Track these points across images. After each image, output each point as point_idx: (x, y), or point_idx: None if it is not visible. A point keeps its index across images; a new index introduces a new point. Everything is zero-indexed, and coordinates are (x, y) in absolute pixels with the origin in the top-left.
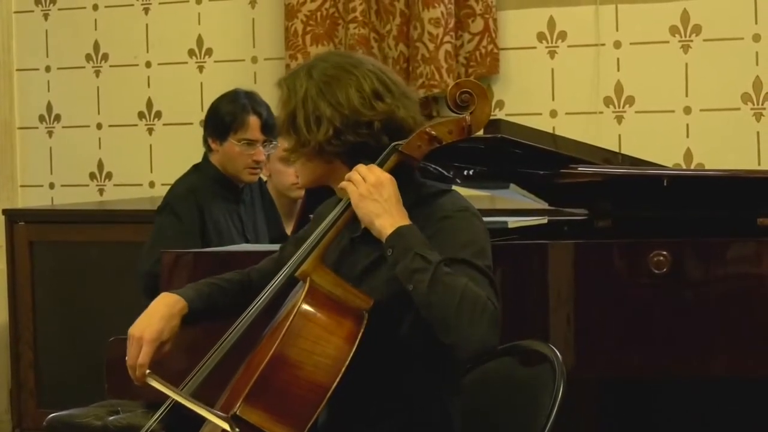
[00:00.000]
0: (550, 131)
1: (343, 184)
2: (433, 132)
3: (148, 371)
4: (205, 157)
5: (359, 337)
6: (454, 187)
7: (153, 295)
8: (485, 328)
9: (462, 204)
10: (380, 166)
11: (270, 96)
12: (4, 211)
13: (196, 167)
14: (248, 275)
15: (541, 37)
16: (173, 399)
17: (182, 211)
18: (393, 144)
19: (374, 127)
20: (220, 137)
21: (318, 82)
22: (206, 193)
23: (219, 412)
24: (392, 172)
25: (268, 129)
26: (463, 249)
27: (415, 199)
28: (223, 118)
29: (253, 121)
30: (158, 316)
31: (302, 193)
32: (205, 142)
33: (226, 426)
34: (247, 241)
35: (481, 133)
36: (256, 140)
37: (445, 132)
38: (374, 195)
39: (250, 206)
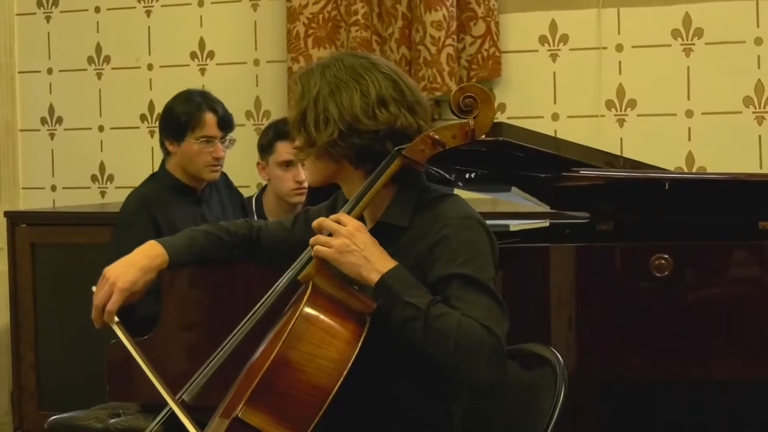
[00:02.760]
0: (552, 134)
1: (315, 246)
2: (436, 136)
3: (117, 320)
4: (162, 164)
5: (362, 340)
6: (456, 191)
7: (124, 318)
8: (486, 367)
9: (466, 211)
10: (384, 170)
11: (272, 97)
12: (6, 213)
13: (152, 177)
14: (257, 232)
15: (543, 40)
16: (174, 403)
17: (136, 227)
18: (396, 148)
19: (379, 132)
20: (177, 138)
21: (330, 83)
22: (160, 202)
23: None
24: (396, 175)
25: (225, 125)
26: (465, 263)
27: (419, 202)
28: (179, 117)
29: (210, 118)
30: (137, 267)
31: (302, 198)
32: (162, 145)
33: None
34: None
35: (483, 136)
36: (214, 137)
37: (448, 136)
38: (351, 247)
39: (217, 204)
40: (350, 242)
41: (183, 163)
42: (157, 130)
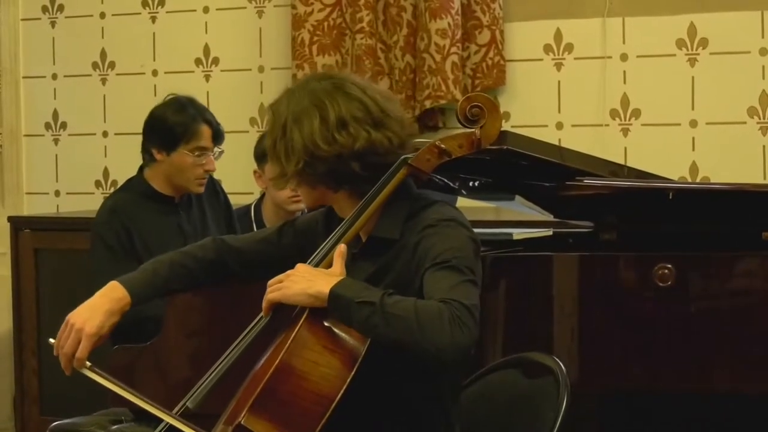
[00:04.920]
0: (556, 143)
1: (264, 304)
2: (442, 146)
3: (89, 364)
4: (140, 171)
5: (365, 349)
6: (460, 199)
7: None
8: (450, 330)
9: (449, 214)
10: (389, 179)
11: None
12: (10, 219)
13: (126, 184)
14: (236, 254)
15: (547, 49)
16: (176, 409)
17: (110, 239)
18: (403, 157)
19: (341, 156)
20: (168, 148)
21: (293, 111)
22: (131, 210)
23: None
24: (400, 184)
25: (218, 137)
26: (441, 254)
27: (409, 211)
28: (173, 128)
29: (205, 130)
30: (101, 311)
31: (299, 206)
32: (147, 152)
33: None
34: None
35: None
36: (208, 148)
37: (455, 146)
38: (292, 277)
39: (197, 210)
40: (285, 275)
41: (170, 174)
42: None
